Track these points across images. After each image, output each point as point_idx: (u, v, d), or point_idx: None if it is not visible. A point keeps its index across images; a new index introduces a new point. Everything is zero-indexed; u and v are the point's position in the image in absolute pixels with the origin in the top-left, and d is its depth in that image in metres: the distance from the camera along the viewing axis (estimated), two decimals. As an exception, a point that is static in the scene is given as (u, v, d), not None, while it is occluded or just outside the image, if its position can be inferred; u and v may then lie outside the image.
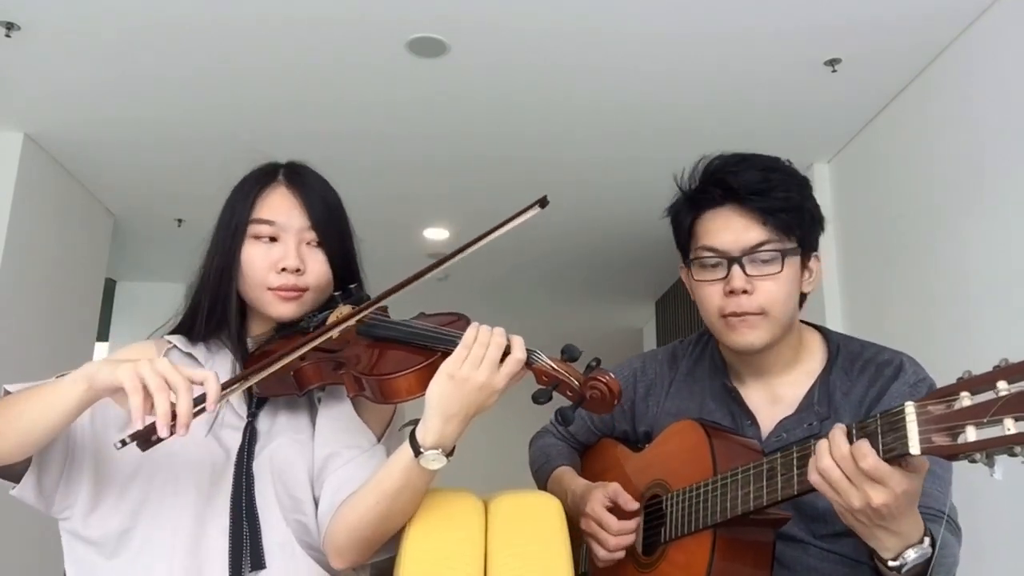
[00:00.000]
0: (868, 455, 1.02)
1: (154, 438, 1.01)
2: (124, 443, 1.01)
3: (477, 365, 1.08)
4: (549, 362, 1.11)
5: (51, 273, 3.98)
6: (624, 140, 3.74)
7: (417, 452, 1.09)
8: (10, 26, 2.83)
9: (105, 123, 3.59)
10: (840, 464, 1.05)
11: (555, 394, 1.11)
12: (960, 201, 2.88)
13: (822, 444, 1.08)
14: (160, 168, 4.05)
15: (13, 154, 3.62)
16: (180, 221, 4.69)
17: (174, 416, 1.00)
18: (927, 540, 1.09)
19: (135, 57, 3.06)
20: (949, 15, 2.76)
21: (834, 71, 3.07)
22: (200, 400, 1.03)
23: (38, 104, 3.45)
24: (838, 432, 1.07)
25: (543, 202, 1.20)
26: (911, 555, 1.08)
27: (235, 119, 3.54)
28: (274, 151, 1.41)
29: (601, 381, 1.09)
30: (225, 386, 1.07)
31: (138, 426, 1.01)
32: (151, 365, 1.01)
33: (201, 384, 1.03)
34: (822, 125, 3.53)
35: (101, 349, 5.17)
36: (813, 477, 1.09)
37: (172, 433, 1.00)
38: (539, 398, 1.10)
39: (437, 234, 4.97)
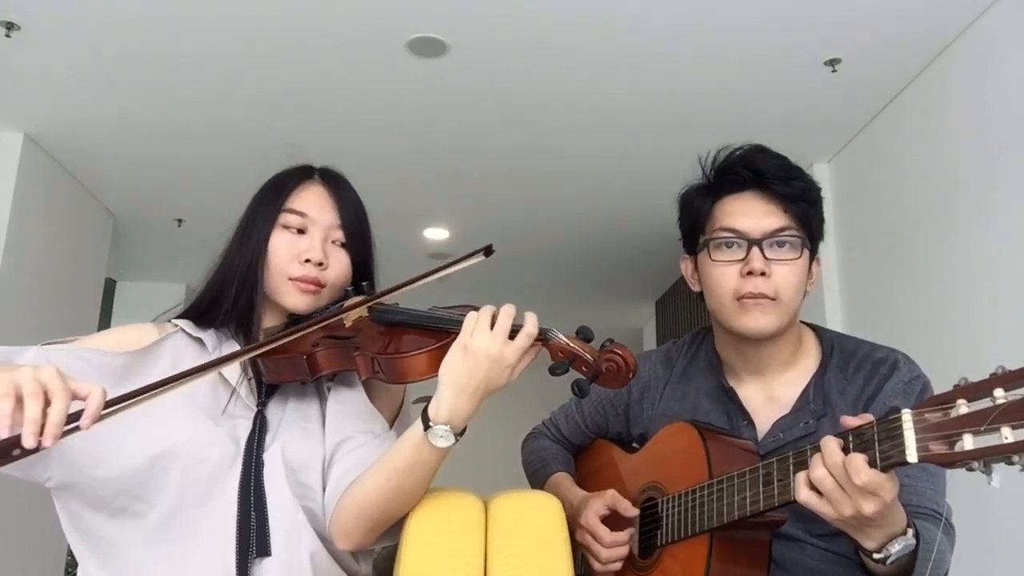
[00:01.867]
0: (862, 470, 1.02)
1: (16, 452, 0.91)
2: None
3: (488, 334, 1.09)
4: (564, 338, 1.13)
5: (51, 273, 3.98)
6: (624, 141, 3.74)
7: (427, 427, 1.10)
8: (10, 26, 2.83)
9: (105, 123, 3.59)
10: (833, 472, 1.05)
11: (570, 370, 1.13)
12: (961, 201, 2.88)
13: (815, 457, 1.08)
14: (160, 168, 4.05)
15: (13, 154, 3.62)
16: (180, 221, 4.69)
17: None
18: (911, 531, 1.10)
19: (135, 57, 3.06)
20: (950, 14, 2.76)
21: (834, 71, 3.07)
22: (75, 417, 0.93)
23: (38, 104, 3.45)
24: (831, 442, 1.07)
25: (487, 251, 1.22)
26: (895, 547, 1.09)
27: (235, 120, 3.54)
28: (274, 152, 1.42)
29: (617, 353, 1.11)
30: (112, 403, 0.97)
31: (4, 434, 0.90)
32: (34, 372, 0.93)
33: (84, 399, 0.94)
34: (822, 125, 3.53)
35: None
36: (803, 494, 1.08)
37: (38, 447, 0.90)
38: (556, 370, 1.12)
39: (437, 234, 4.97)
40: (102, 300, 4.67)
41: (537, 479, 1.62)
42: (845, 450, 1.05)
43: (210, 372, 1.11)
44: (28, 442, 0.90)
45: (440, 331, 1.17)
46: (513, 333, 1.11)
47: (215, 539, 1.16)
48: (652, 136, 3.67)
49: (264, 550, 1.16)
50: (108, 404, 0.97)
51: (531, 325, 1.12)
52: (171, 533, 1.17)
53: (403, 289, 1.24)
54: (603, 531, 1.38)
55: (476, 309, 1.19)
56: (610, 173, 4.10)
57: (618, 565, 1.37)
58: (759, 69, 3.11)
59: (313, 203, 1.32)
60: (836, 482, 1.05)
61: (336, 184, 1.36)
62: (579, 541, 1.41)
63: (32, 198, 3.73)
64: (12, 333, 3.62)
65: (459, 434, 1.12)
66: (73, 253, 4.21)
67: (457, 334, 1.12)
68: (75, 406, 0.95)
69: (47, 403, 0.92)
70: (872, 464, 1.02)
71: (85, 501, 1.20)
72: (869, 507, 1.03)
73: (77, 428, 0.94)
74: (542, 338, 1.13)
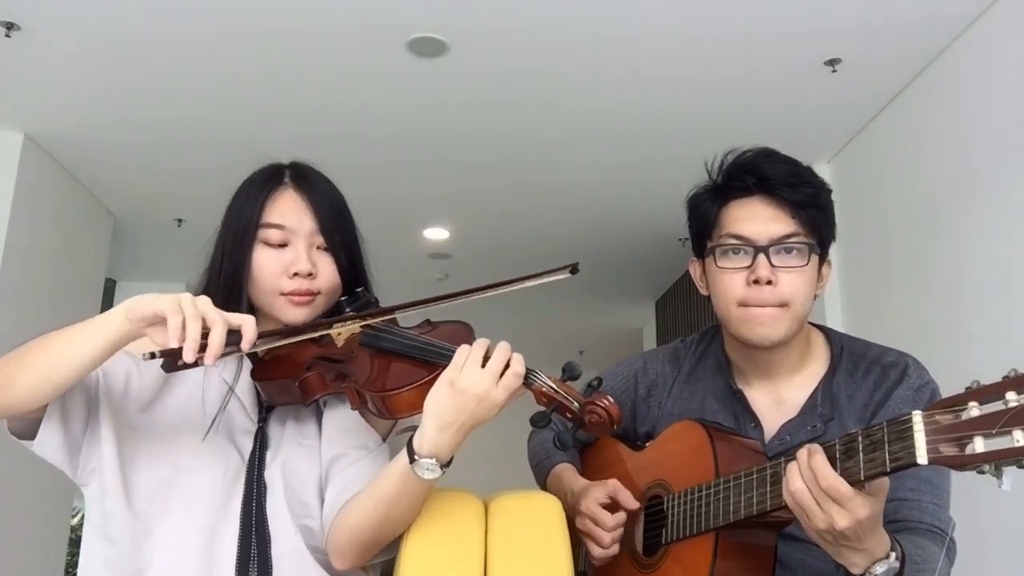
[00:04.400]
0: (829, 476, 1.04)
1: (180, 362, 1.03)
2: (153, 355, 1.03)
3: (478, 373, 1.08)
4: (549, 382, 1.11)
5: (51, 273, 3.98)
6: (624, 140, 3.74)
7: (412, 459, 1.09)
8: (10, 26, 2.83)
9: (105, 123, 3.60)
10: (809, 486, 1.07)
11: (554, 416, 1.11)
12: (959, 201, 2.88)
13: (792, 467, 1.09)
14: (160, 168, 4.06)
15: (13, 154, 3.62)
16: (180, 221, 4.70)
17: (203, 349, 1.02)
18: (893, 555, 1.10)
19: (135, 57, 3.06)
20: (949, 16, 2.76)
21: (834, 71, 3.07)
22: (235, 340, 1.05)
23: (38, 104, 3.45)
24: (805, 453, 1.08)
25: (574, 269, 1.19)
26: (878, 570, 1.09)
27: (235, 119, 3.55)
28: (273, 152, 1.41)
29: (600, 406, 1.08)
30: (261, 335, 1.10)
31: (174, 344, 1.02)
32: (191, 298, 1.04)
33: (237, 327, 1.06)
34: (822, 125, 3.54)
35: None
36: (787, 498, 1.10)
37: (197, 363, 1.02)
38: (538, 422, 1.10)
39: (437, 234, 4.97)
40: (102, 300, 4.67)
41: (541, 469, 1.62)
42: (832, 460, 1.06)
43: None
44: (188, 357, 1.02)
45: (430, 364, 1.14)
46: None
47: (217, 558, 1.16)
48: (652, 137, 3.68)
49: (266, 572, 1.16)
50: (259, 335, 1.09)
51: (518, 365, 1.09)
52: (170, 548, 1.16)
53: (395, 312, 1.21)
54: (604, 514, 1.37)
55: (466, 326, 1.18)
56: (611, 173, 4.10)
57: (616, 549, 1.37)
58: (759, 69, 3.11)
59: (289, 212, 1.29)
60: (811, 495, 1.06)
61: (308, 185, 1.32)
62: (579, 528, 1.40)
63: (32, 198, 3.73)
64: (12, 333, 3.61)
65: (445, 466, 1.10)
66: (73, 253, 4.20)
67: (445, 366, 1.10)
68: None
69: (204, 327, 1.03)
70: (882, 465, 1.02)
71: (111, 497, 1.19)
72: (841, 521, 1.04)
73: (238, 350, 1.06)
74: (526, 381, 1.11)
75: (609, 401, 1.08)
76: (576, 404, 1.09)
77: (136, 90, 3.30)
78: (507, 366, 1.09)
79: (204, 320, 1.03)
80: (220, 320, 1.04)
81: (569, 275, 1.18)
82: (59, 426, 1.16)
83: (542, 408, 1.11)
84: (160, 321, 1.03)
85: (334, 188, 1.35)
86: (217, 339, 1.03)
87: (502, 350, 1.10)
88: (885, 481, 1.05)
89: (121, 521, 1.17)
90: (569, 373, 1.11)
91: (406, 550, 1.14)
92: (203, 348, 1.03)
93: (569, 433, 1.10)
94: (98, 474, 1.19)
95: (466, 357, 1.09)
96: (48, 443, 1.16)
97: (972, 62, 2.82)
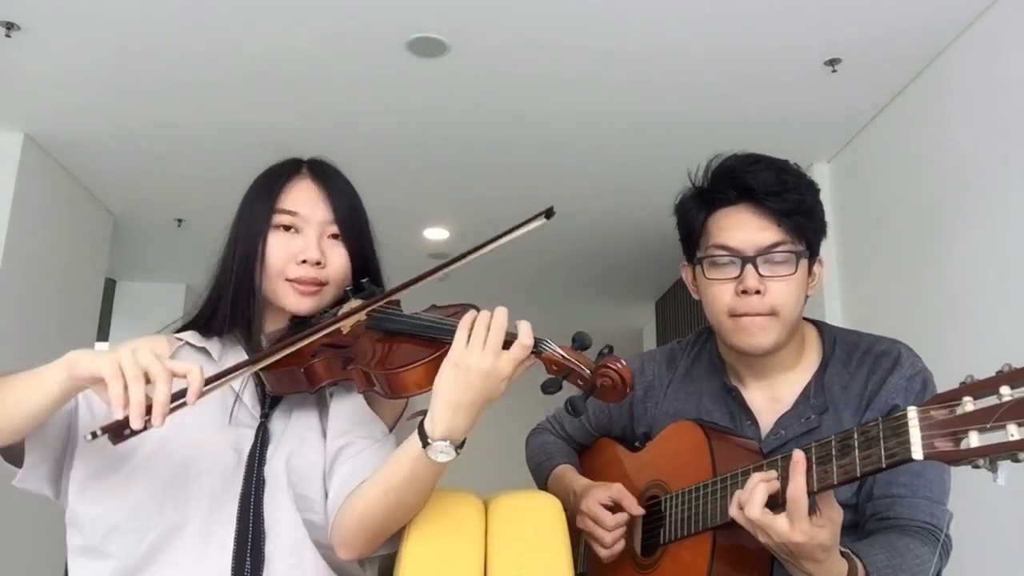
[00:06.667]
0: (754, 508, 1.11)
1: (127, 431, 0.96)
2: (95, 435, 0.95)
3: (480, 350, 1.07)
4: (559, 350, 1.09)
5: (51, 273, 3.98)
6: (624, 140, 3.74)
7: (425, 443, 1.09)
8: (10, 26, 2.83)
9: (105, 123, 3.59)
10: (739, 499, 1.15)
11: (565, 383, 1.09)
12: (959, 201, 2.88)
13: (738, 494, 1.16)
14: (160, 168, 4.06)
15: (13, 154, 3.62)
16: (180, 221, 4.70)
17: (151, 410, 0.96)
18: None
19: (135, 57, 3.06)
20: (949, 15, 2.76)
21: (834, 71, 3.07)
22: (180, 395, 0.98)
23: (38, 104, 3.45)
24: (753, 481, 1.14)
25: (549, 213, 1.17)
26: None
27: (235, 119, 3.54)
28: (273, 151, 1.41)
29: (612, 369, 1.06)
30: (210, 380, 1.02)
31: (117, 416, 0.95)
32: (133, 355, 0.97)
33: (184, 377, 0.98)
34: (822, 125, 3.54)
35: (101, 349, 5.17)
36: (732, 512, 1.17)
37: (146, 427, 0.95)
38: (548, 387, 1.07)
39: (437, 234, 4.97)
40: (102, 300, 4.67)
41: (542, 471, 1.62)
42: (828, 457, 1.08)
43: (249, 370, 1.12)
44: (136, 424, 0.95)
45: (436, 341, 1.13)
46: (507, 343, 1.08)
47: (214, 552, 1.15)
48: (652, 137, 3.67)
49: (258, 568, 1.15)
50: (206, 381, 1.01)
51: (525, 336, 1.08)
52: (168, 544, 1.16)
53: (407, 288, 1.20)
54: (605, 514, 1.37)
55: (474, 307, 1.16)
56: (610, 173, 4.10)
57: (621, 546, 1.37)
58: (760, 69, 3.11)
59: (304, 200, 1.29)
60: (742, 514, 1.15)
61: (326, 176, 1.32)
62: (580, 527, 1.40)
63: (32, 198, 3.74)
64: (12, 333, 3.62)
65: (459, 447, 1.10)
66: (73, 253, 4.21)
67: (451, 343, 1.09)
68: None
69: (148, 382, 0.97)
70: (877, 461, 1.02)
71: (93, 511, 1.18)
72: (762, 537, 1.12)
73: (184, 404, 0.98)
74: (535, 350, 1.09)
75: (621, 364, 1.06)
76: (587, 370, 1.07)
77: (136, 90, 3.30)
78: (514, 336, 1.08)
79: (147, 375, 0.97)
80: (164, 374, 0.97)
81: (545, 220, 1.17)
82: (33, 466, 1.16)
83: (552, 376, 1.09)
84: (102, 381, 0.97)
85: (351, 186, 1.36)
86: (162, 397, 0.96)
87: (499, 324, 1.08)
88: (836, 512, 1.11)
89: (113, 526, 1.16)
90: (579, 342, 1.09)
91: (406, 550, 1.15)
92: (149, 410, 0.95)
93: (581, 399, 1.08)
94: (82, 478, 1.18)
95: (467, 336, 1.08)
96: (29, 478, 1.16)
97: (972, 62, 2.82)
